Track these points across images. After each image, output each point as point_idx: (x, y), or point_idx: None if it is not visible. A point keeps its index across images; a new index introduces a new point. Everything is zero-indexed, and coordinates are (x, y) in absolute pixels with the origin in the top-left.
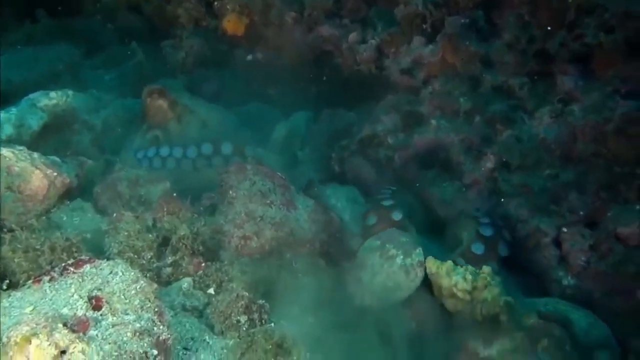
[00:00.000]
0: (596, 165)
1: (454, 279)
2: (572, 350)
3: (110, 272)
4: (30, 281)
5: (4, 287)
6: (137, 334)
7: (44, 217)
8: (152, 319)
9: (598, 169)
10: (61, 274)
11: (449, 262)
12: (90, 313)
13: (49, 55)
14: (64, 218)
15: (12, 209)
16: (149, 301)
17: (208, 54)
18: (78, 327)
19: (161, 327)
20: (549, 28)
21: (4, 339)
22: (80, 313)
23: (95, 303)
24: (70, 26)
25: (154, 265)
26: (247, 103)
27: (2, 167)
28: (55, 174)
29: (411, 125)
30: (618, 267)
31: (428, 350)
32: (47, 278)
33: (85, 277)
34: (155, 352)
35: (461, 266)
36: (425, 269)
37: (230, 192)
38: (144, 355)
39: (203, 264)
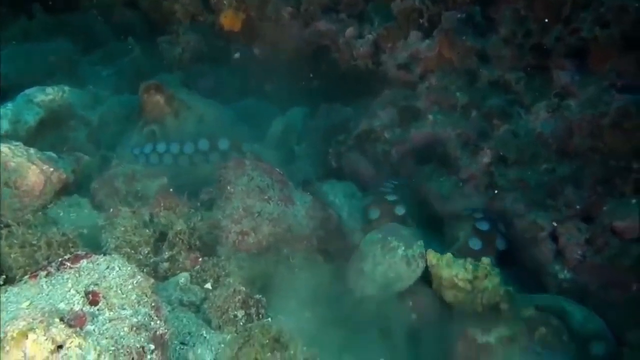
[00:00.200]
0: (592, 160)
1: (455, 269)
2: (569, 341)
3: (107, 267)
4: (26, 276)
5: (1, 282)
6: (134, 328)
7: (40, 213)
8: (149, 314)
9: (594, 163)
10: (58, 269)
11: (449, 254)
12: (87, 308)
13: (45, 51)
14: (61, 214)
15: (9, 204)
16: (146, 296)
17: (205, 49)
18: (75, 322)
19: (158, 321)
20: (545, 21)
21: (1, 334)
22: (77, 308)
23: (92, 298)
24: (67, 22)
25: (151, 260)
26: (244, 98)
27: None
28: (51, 169)
29: (408, 120)
30: (614, 260)
31: (428, 340)
32: (43, 273)
33: (82, 272)
34: (152, 346)
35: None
36: (426, 260)
37: (228, 187)
38: (141, 349)
39: (200, 259)
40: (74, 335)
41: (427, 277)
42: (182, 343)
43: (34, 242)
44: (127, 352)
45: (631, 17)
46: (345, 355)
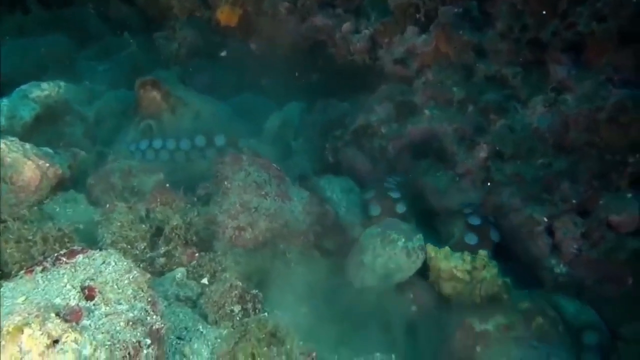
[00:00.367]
0: (589, 154)
1: (454, 261)
2: (565, 331)
3: (103, 262)
4: (22, 271)
5: None
6: (130, 323)
7: (36, 208)
8: (145, 309)
9: (590, 158)
10: (54, 264)
11: (447, 248)
12: (83, 303)
13: (40, 46)
14: (57, 209)
15: (5, 200)
16: (142, 291)
17: (201, 45)
18: (71, 316)
19: (154, 316)
20: (542, 15)
21: None
22: (72, 303)
23: (88, 293)
24: (63, 17)
25: (147, 255)
26: (241, 94)
27: None
28: (47, 165)
29: (405, 115)
30: (610, 254)
31: (427, 331)
32: (39, 268)
33: (78, 267)
34: (148, 341)
35: None
36: (425, 252)
37: (225, 182)
38: (137, 344)
39: (197, 254)
40: (70, 330)
41: (423, 272)
42: (179, 338)
43: (30, 237)
44: (123, 346)
45: (628, 12)
46: (342, 349)
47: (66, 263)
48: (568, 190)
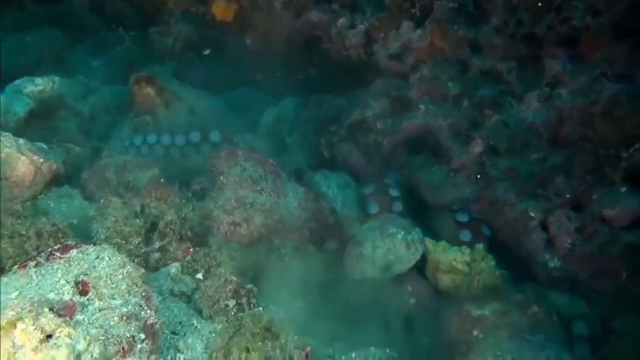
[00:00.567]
0: (583, 149)
1: (452, 253)
2: (559, 321)
3: (97, 257)
4: (16, 267)
5: None
6: (124, 318)
7: (29, 203)
8: (139, 304)
9: (585, 152)
10: (47, 259)
11: (444, 242)
12: (76, 298)
13: (35, 42)
14: (52, 205)
15: None
16: (136, 286)
17: (196, 40)
18: (64, 311)
19: (149, 311)
20: (537, 10)
21: None
22: (66, 298)
23: (82, 288)
24: (58, 12)
25: (142, 250)
26: (236, 89)
27: None
28: (41, 160)
29: (400, 110)
30: (603, 248)
31: (426, 321)
32: (33, 263)
33: (72, 262)
34: (142, 336)
35: None
36: (424, 245)
37: (221, 177)
38: (131, 339)
39: (191, 250)
40: (64, 324)
41: (419, 268)
42: (173, 333)
43: (24, 232)
44: (117, 341)
45: (622, 6)
46: (337, 343)
47: (60, 258)
48: (562, 184)
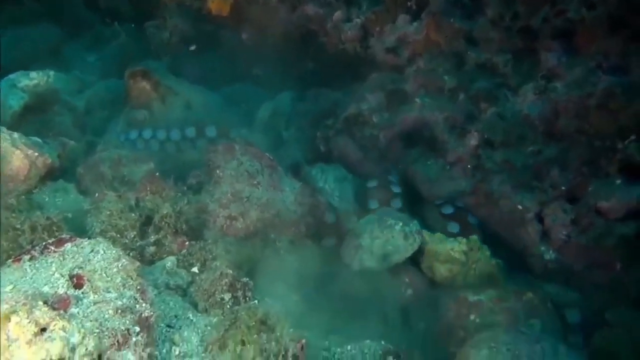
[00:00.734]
0: (578, 141)
1: (449, 244)
2: (553, 309)
3: (92, 251)
4: (10, 260)
5: None
6: (119, 311)
7: (24, 197)
8: (134, 297)
9: (580, 145)
10: (42, 253)
11: (439, 234)
12: (71, 291)
13: (32, 37)
14: (46, 199)
15: None
16: (131, 279)
17: (192, 34)
18: (59, 304)
19: (144, 304)
20: (532, 2)
21: None
22: (61, 291)
23: (77, 281)
24: (54, 7)
25: (137, 244)
26: (232, 83)
27: None
28: (36, 154)
29: (396, 103)
30: (598, 240)
31: (423, 311)
32: (27, 257)
33: (67, 256)
34: (137, 329)
35: None
36: (422, 236)
37: (217, 171)
38: (126, 332)
39: (187, 243)
40: (58, 318)
41: (414, 261)
42: (169, 326)
43: (18, 226)
44: (112, 334)
45: None
46: (333, 336)
47: (54, 252)
48: (558, 177)
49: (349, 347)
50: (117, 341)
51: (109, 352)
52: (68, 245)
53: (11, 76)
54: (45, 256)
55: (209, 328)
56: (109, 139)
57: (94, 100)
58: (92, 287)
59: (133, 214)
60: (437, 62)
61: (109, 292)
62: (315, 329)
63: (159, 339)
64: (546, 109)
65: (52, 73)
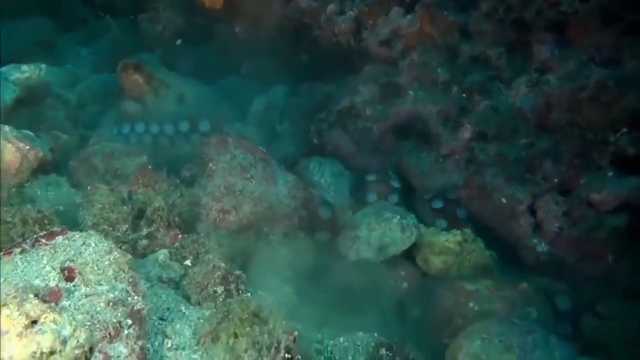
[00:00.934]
0: (570, 134)
1: (444, 236)
2: (546, 299)
3: (83, 244)
4: (1, 253)
5: None
6: (111, 304)
7: (16, 191)
8: (126, 290)
9: (572, 137)
10: (33, 246)
11: (432, 228)
12: (62, 284)
13: (25, 30)
14: (39, 192)
15: None
16: (123, 272)
17: (186, 27)
18: (50, 297)
19: (136, 297)
20: None
21: None
22: (52, 284)
23: (68, 274)
24: (48, 1)
25: (130, 237)
26: (225, 77)
27: None
28: (28, 147)
29: (389, 96)
30: (590, 232)
31: (418, 302)
32: (18, 250)
33: (58, 249)
34: (129, 321)
35: None
36: (418, 230)
37: (210, 164)
38: (117, 324)
39: (180, 236)
40: (49, 310)
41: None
42: (161, 319)
43: (9, 219)
44: (104, 327)
45: None
46: (326, 328)
47: (45, 244)
48: (550, 169)
49: (341, 339)
50: (109, 334)
51: (100, 344)
52: (59, 238)
53: (2, 69)
54: (37, 249)
55: (201, 321)
56: (102, 132)
57: (87, 94)
58: (83, 279)
59: (125, 207)
60: (430, 55)
61: (101, 284)
62: (308, 322)
63: (151, 331)
64: (539, 102)
65: (44, 66)
